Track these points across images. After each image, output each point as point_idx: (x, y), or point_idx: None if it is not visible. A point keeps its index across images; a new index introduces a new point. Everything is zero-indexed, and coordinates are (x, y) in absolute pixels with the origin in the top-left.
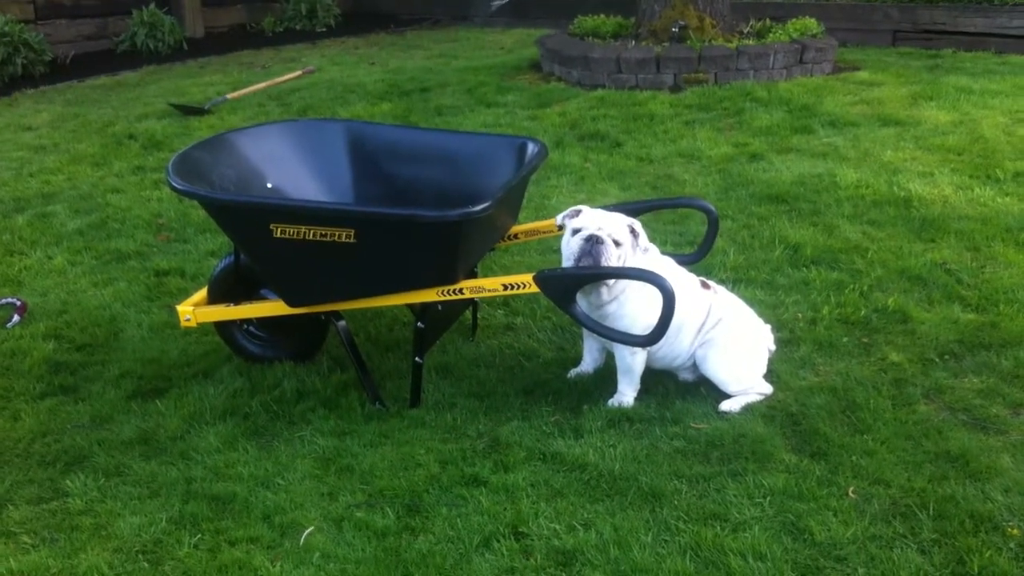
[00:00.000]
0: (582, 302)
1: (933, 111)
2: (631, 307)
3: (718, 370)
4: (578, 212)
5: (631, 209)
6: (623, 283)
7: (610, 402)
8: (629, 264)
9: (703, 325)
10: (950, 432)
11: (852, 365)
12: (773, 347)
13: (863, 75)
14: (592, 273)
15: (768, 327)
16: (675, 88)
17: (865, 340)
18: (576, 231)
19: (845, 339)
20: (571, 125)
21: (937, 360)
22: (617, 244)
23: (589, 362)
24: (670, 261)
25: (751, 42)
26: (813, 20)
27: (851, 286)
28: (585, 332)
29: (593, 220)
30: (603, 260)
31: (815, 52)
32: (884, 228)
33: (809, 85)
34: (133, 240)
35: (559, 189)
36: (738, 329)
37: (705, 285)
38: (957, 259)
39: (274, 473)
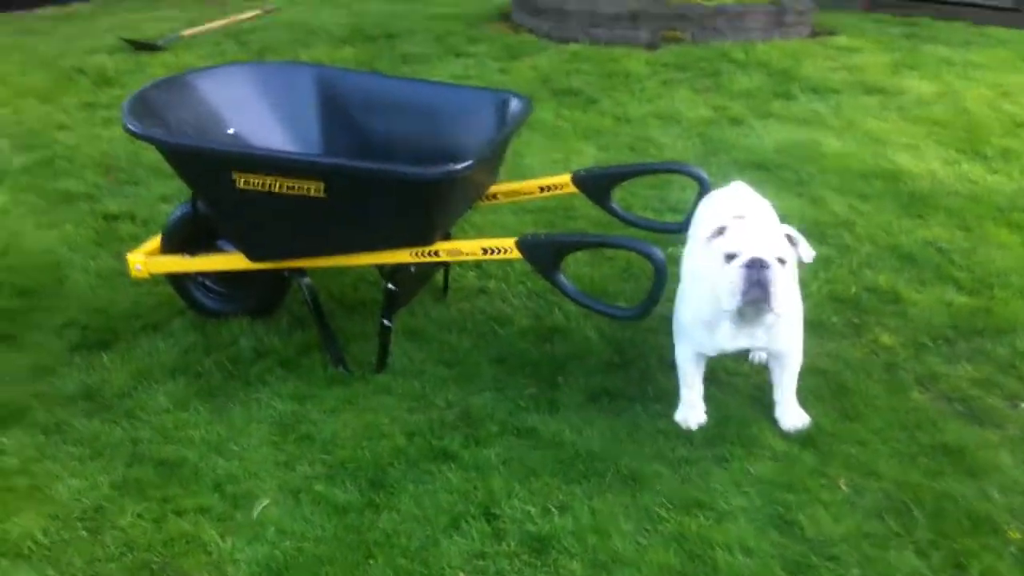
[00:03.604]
0: (742, 327)
1: (915, 81)
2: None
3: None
4: (723, 230)
5: (620, 173)
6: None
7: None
8: (790, 283)
9: None
10: (945, 423)
11: (843, 347)
12: None
13: (842, 40)
14: (577, 240)
15: None
16: (651, 45)
17: (856, 320)
18: (730, 256)
19: (835, 319)
20: (544, 79)
21: (930, 344)
22: (782, 263)
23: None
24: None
25: (729, 1)
26: None
27: (840, 262)
28: (692, 363)
29: (750, 241)
30: (773, 286)
31: (794, 15)
32: (871, 201)
33: (787, 48)
34: (82, 181)
35: (533, 146)
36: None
37: None
38: (948, 238)
39: (227, 438)
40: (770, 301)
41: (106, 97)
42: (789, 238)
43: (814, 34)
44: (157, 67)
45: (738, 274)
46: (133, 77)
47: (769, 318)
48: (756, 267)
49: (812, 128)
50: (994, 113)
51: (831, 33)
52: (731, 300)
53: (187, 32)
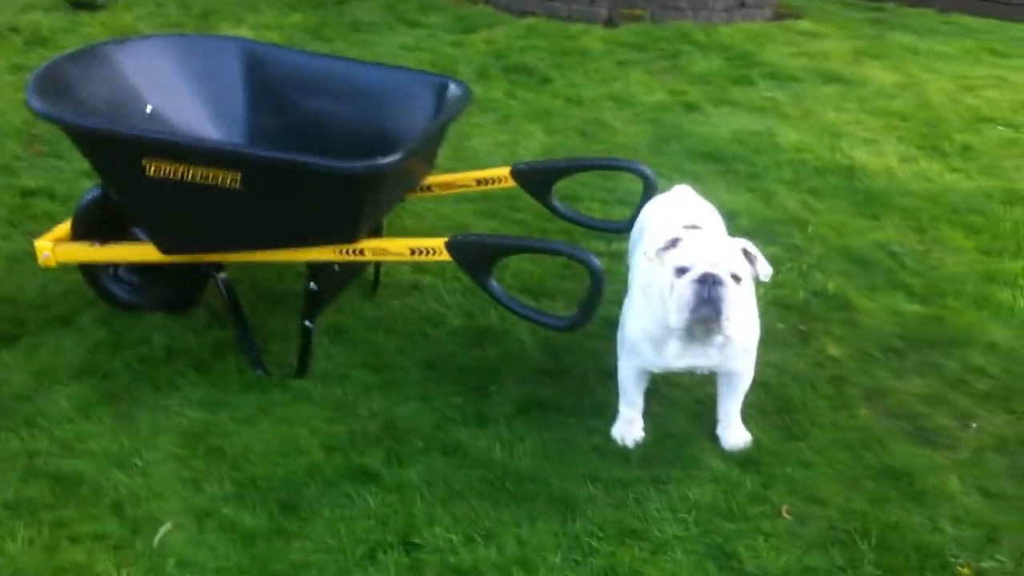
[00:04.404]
0: (691, 345)
1: (878, 71)
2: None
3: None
4: (676, 242)
5: (561, 167)
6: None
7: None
8: (745, 302)
9: None
10: (892, 443)
11: (788, 356)
12: None
13: (805, 24)
14: (512, 244)
15: None
16: (609, 22)
17: (802, 328)
18: (682, 270)
19: (780, 325)
20: (497, 55)
21: (879, 356)
22: (737, 280)
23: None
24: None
25: None
26: None
27: (789, 264)
28: (635, 379)
29: (703, 253)
30: (725, 306)
31: None
32: (825, 199)
33: (749, 31)
34: (0, 151)
35: (481, 128)
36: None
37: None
38: (901, 240)
39: (131, 450)
40: (720, 320)
41: (37, 58)
42: (746, 253)
43: (778, 16)
44: (95, 26)
45: (689, 289)
46: (68, 37)
47: (719, 339)
48: (708, 283)
49: (769, 117)
50: (955, 106)
51: (795, 16)
52: (679, 317)
53: None
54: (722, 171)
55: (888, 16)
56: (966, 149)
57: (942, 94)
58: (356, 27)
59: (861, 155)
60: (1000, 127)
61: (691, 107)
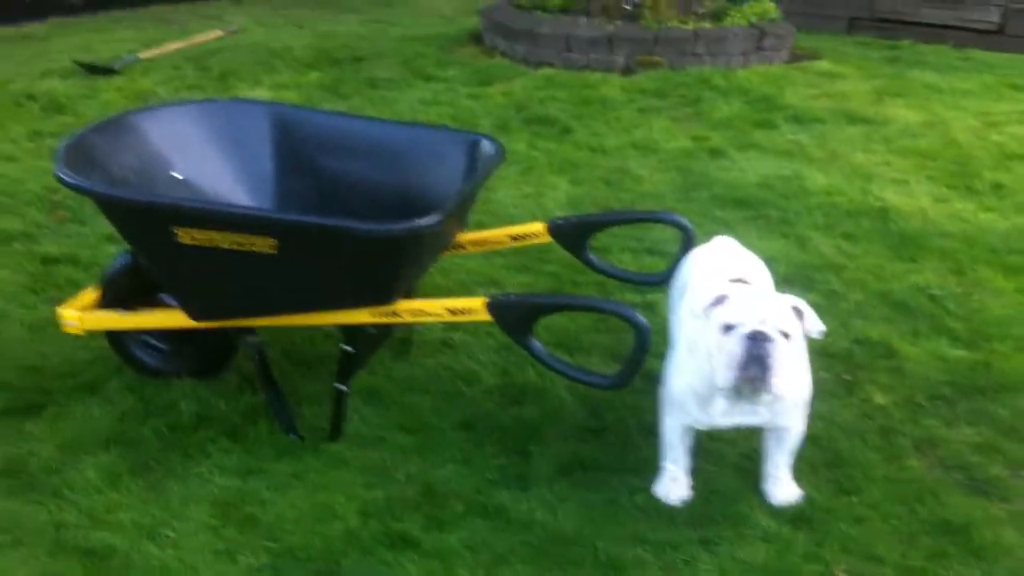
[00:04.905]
0: (738, 400)
1: (901, 109)
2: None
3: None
4: (723, 299)
5: (598, 222)
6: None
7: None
8: (795, 359)
9: None
10: (947, 496)
11: (834, 407)
12: None
13: (823, 65)
14: (553, 303)
15: None
16: (627, 70)
17: (847, 377)
18: (729, 327)
19: (824, 374)
20: (517, 107)
21: (927, 405)
22: (787, 337)
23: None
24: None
25: (708, 24)
26: (771, 3)
27: (829, 311)
28: (679, 436)
29: (751, 310)
30: (774, 364)
31: (774, 38)
32: (860, 243)
33: (768, 74)
34: (21, 218)
35: (505, 180)
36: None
37: None
38: (941, 283)
39: (162, 521)
40: (769, 379)
41: (55, 125)
42: (796, 310)
43: (794, 58)
44: (112, 92)
45: (737, 347)
46: (86, 103)
47: (767, 397)
48: (758, 340)
49: (795, 161)
50: (983, 144)
51: (812, 57)
52: (727, 375)
53: (145, 54)
54: (753, 217)
55: (904, 54)
56: (997, 187)
57: (968, 131)
58: (373, 84)
59: (892, 196)
60: None
61: (716, 152)
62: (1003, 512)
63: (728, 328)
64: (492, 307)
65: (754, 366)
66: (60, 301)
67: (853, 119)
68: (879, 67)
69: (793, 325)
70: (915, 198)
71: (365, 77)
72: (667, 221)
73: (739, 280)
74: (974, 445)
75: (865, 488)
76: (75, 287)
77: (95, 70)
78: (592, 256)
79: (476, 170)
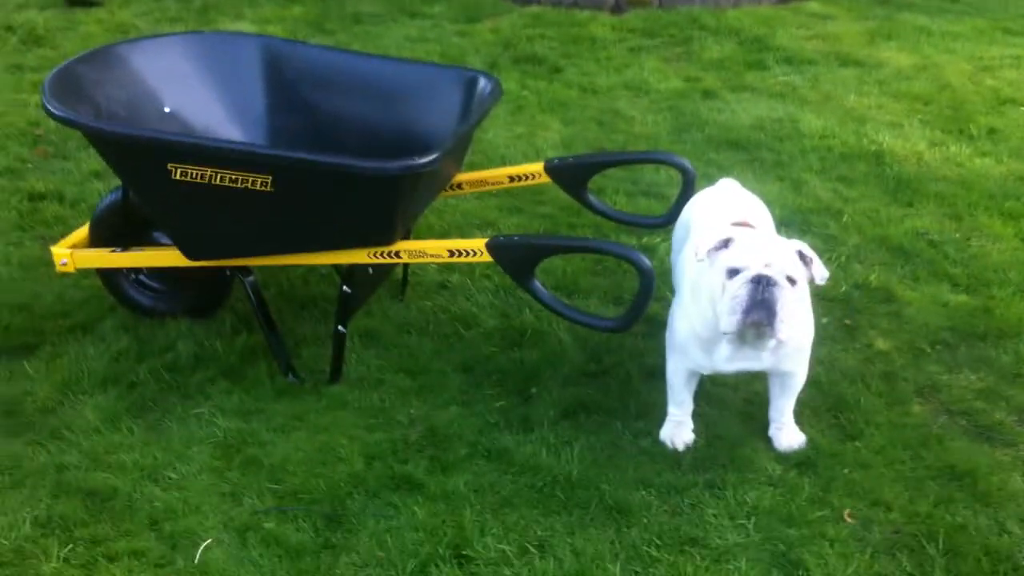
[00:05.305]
0: (742, 348)
1: (893, 52)
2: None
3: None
4: (728, 242)
5: (597, 163)
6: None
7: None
8: (799, 304)
9: None
10: (951, 441)
11: (835, 352)
12: None
13: (814, 6)
14: (555, 244)
15: None
16: (616, 9)
17: (848, 322)
18: (734, 271)
19: (825, 320)
20: (505, 44)
21: (929, 350)
22: (792, 283)
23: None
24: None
25: None
26: None
27: (827, 256)
28: (684, 380)
29: (756, 254)
30: (779, 309)
31: None
32: (856, 186)
33: (759, 15)
34: (4, 154)
35: (496, 120)
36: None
37: None
38: (939, 228)
39: (164, 463)
40: (774, 324)
41: (35, 58)
42: (801, 255)
43: None
44: (92, 24)
45: (742, 291)
46: (65, 35)
47: (771, 343)
48: (762, 285)
49: (789, 103)
50: (976, 88)
51: None
52: (731, 320)
53: None
54: (748, 160)
55: None
56: (992, 132)
57: (961, 75)
58: (358, 19)
59: (888, 140)
60: (1023, 108)
61: (708, 94)
62: (1008, 458)
63: (733, 272)
64: (493, 248)
65: (759, 311)
66: (49, 239)
67: (845, 61)
68: (869, 8)
69: (799, 270)
70: (910, 142)
71: (350, 12)
72: (668, 162)
73: (743, 223)
74: (977, 391)
75: (869, 433)
76: (63, 225)
77: (75, 2)
78: (592, 197)
79: (473, 108)
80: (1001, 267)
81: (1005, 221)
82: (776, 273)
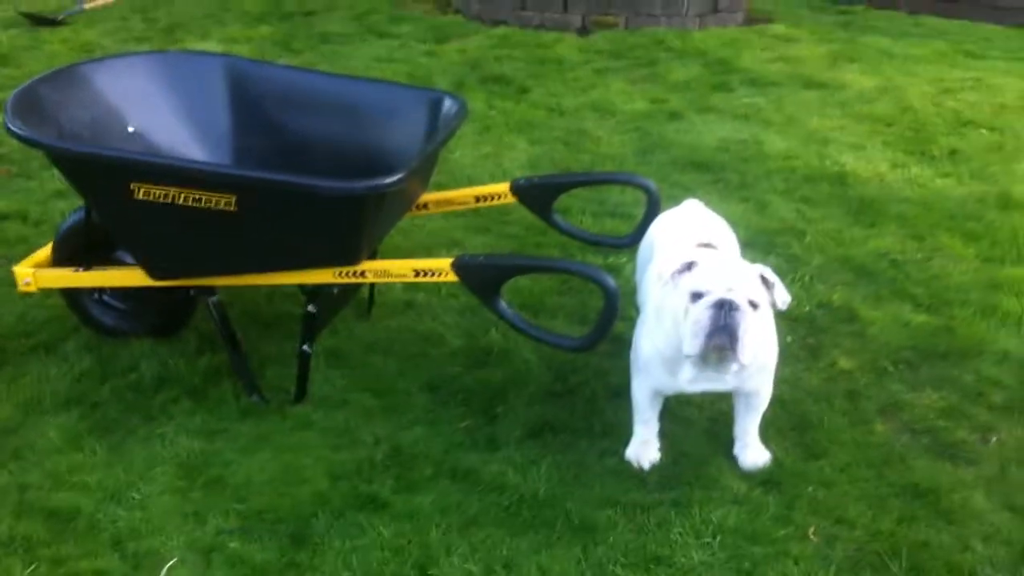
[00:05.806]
0: (704, 368)
1: (856, 75)
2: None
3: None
4: (692, 265)
5: (563, 183)
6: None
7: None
8: (762, 328)
9: None
10: (914, 460)
11: (799, 371)
12: None
13: (778, 28)
14: (521, 264)
15: None
16: (583, 31)
17: (811, 341)
18: (697, 295)
19: (789, 339)
20: (472, 65)
21: (891, 369)
22: (755, 307)
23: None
24: None
25: None
26: None
27: (791, 276)
28: (649, 399)
29: (719, 278)
30: (742, 332)
31: (729, 0)
32: (819, 207)
33: (724, 36)
34: None
35: (463, 140)
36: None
37: None
38: (901, 249)
39: (127, 483)
40: (736, 348)
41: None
42: (763, 279)
43: (749, 20)
44: (56, 43)
45: (704, 315)
46: (30, 54)
47: (734, 366)
48: (725, 309)
49: (753, 124)
50: (937, 110)
51: (767, 21)
52: (694, 343)
53: (90, 4)
54: (712, 180)
55: (857, 19)
56: (953, 153)
57: (922, 98)
58: (326, 39)
59: (850, 161)
60: (983, 131)
61: (674, 115)
62: (970, 476)
63: (696, 296)
64: (459, 268)
65: (721, 335)
66: (11, 259)
67: (808, 83)
68: (832, 31)
69: (761, 294)
70: (872, 163)
71: (317, 32)
72: (632, 183)
73: (707, 244)
74: (939, 410)
75: (833, 452)
76: (26, 244)
77: (39, 21)
78: (558, 217)
79: (439, 128)
80: (962, 287)
81: (966, 242)
82: (739, 297)
